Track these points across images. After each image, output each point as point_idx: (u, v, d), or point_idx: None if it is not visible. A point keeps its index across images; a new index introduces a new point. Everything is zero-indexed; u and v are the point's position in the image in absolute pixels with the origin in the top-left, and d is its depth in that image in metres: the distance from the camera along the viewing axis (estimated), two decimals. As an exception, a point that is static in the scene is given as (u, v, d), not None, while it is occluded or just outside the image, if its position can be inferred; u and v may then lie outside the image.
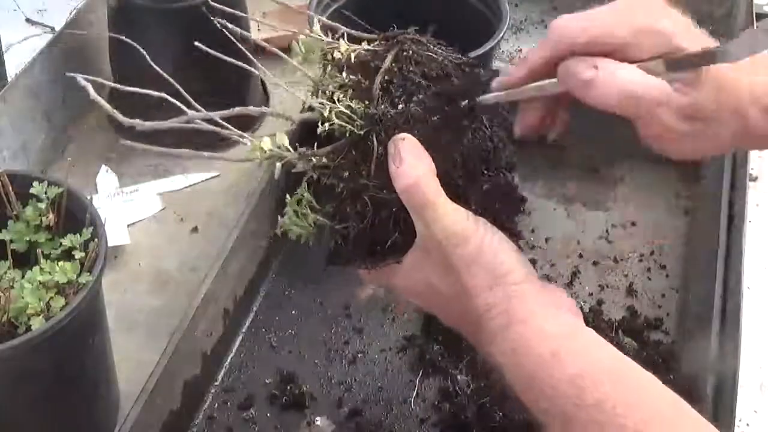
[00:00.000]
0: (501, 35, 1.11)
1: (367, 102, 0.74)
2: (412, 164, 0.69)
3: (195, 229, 1.17)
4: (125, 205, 1.19)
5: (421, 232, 0.70)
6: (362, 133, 0.73)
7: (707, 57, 0.68)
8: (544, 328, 0.66)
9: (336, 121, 0.73)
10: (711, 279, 1.07)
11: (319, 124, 0.75)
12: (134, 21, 1.19)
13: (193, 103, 0.76)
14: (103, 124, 1.30)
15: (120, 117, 0.74)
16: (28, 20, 1.27)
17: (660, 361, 1.04)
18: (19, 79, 1.18)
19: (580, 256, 1.22)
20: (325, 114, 0.74)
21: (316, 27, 0.83)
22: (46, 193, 0.85)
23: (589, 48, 0.70)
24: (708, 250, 1.12)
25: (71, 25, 1.26)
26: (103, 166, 1.24)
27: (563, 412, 0.62)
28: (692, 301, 1.13)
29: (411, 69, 0.75)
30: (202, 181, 1.23)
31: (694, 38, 0.70)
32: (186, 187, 1.22)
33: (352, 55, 0.78)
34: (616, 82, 0.68)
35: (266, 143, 0.75)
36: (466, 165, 0.74)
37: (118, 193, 1.21)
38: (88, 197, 0.87)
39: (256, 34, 1.37)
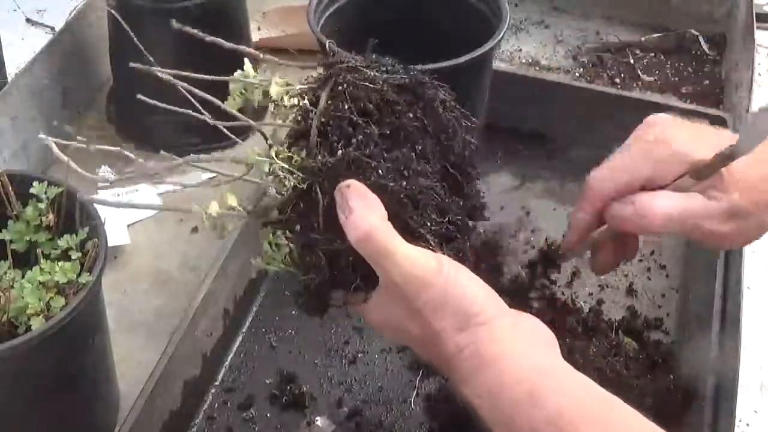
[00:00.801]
0: (501, 35, 1.11)
1: (305, 151, 0.70)
2: (362, 214, 0.66)
3: (195, 229, 1.17)
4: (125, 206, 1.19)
5: (383, 278, 0.68)
6: (304, 186, 0.69)
7: (725, 158, 0.76)
8: (518, 367, 0.65)
9: (277, 175, 0.70)
10: (711, 279, 1.06)
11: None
12: (134, 21, 1.19)
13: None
14: (104, 124, 1.30)
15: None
16: (28, 20, 1.27)
17: (660, 361, 1.04)
18: (19, 79, 1.18)
19: (580, 256, 1.21)
20: (265, 170, 0.71)
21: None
22: (46, 193, 0.85)
23: (621, 191, 0.80)
24: (708, 250, 1.12)
25: (71, 25, 1.26)
26: (103, 166, 1.24)
27: None
28: (692, 301, 1.13)
29: (348, 106, 0.70)
30: (202, 181, 1.23)
31: (707, 142, 0.78)
32: (186, 187, 1.22)
33: (285, 98, 0.74)
34: (657, 212, 0.77)
35: (213, 207, 0.74)
36: (416, 201, 0.70)
37: (118, 193, 1.21)
38: (88, 197, 0.87)
39: (256, 34, 1.38)
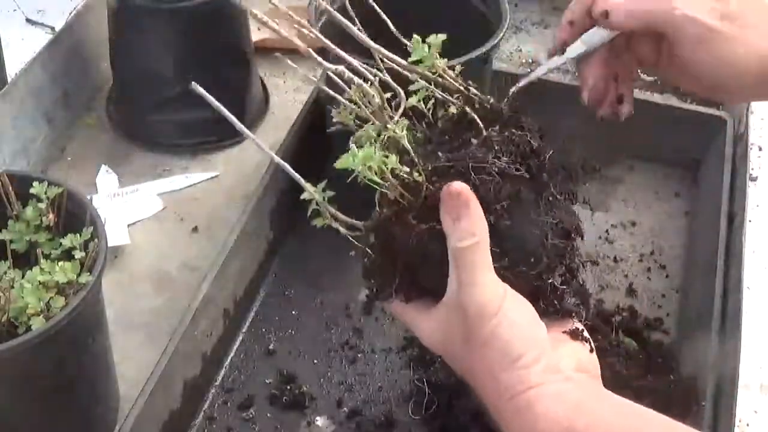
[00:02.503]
0: (501, 35, 1.11)
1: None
2: (475, 222, 0.67)
3: (195, 229, 1.17)
4: (125, 205, 1.19)
5: (453, 290, 0.68)
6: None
7: None
8: (552, 412, 0.65)
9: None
10: (711, 279, 1.07)
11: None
12: (134, 21, 1.19)
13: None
14: (104, 124, 1.30)
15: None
16: (28, 20, 1.27)
17: (660, 361, 1.04)
18: (19, 79, 1.18)
19: (580, 256, 1.21)
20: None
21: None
22: (46, 193, 0.85)
23: None
24: (708, 250, 1.12)
25: (71, 25, 1.26)
26: (103, 166, 1.24)
27: None
28: (692, 301, 1.13)
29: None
30: (202, 181, 1.23)
31: None
32: (186, 187, 1.22)
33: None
34: None
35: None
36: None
37: (118, 193, 1.21)
38: (88, 197, 0.87)
39: (256, 35, 1.37)
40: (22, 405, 0.82)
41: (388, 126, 0.73)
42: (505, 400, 0.67)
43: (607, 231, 1.25)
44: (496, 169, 0.69)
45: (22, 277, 0.81)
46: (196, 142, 1.25)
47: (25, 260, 0.85)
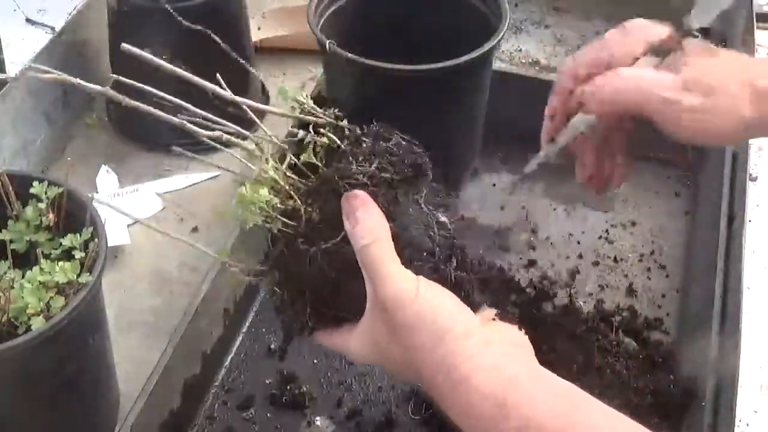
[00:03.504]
0: (501, 35, 1.11)
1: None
2: (371, 224, 0.70)
3: (195, 229, 1.17)
4: (125, 205, 1.19)
5: (371, 297, 0.71)
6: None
7: (680, 32, 0.78)
8: (486, 383, 0.66)
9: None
10: (711, 279, 1.06)
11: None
12: (134, 21, 1.19)
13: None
14: (104, 124, 1.30)
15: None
16: (28, 20, 1.27)
17: (660, 361, 1.04)
18: (19, 79, 1.18)
19: (580, 256, 1.21)
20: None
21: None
22: (46, 193, 0.85)
23: (588, 73, 0.81)
24: (708, 250, 1.12)
25: (71, 25, 1.26)
26: (103, 166, 1.24)
27: None
28: (692, 301, 1.13)
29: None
30: (202, 181, 1.23)
31: (666, 29, 0.81)
32: (186, 187, 1.22)
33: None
34: (608, 80, 0.78)
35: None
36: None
37: (118, 193, 1.21)
38: (88, 197, 0.87)
39: (256, 34, 1.37)
40: (22, 405, 0.82)
41: (262, 167, 0.77)
42: (443, 375, 0.68)
43: (607, 231, 1.25)
44: (365, 179, 0.73)
45: (22, 277, 0.81)
46: (196, 142, 1.25)
47: (25, 260, 0.85)
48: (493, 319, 0.73)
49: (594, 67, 0.81)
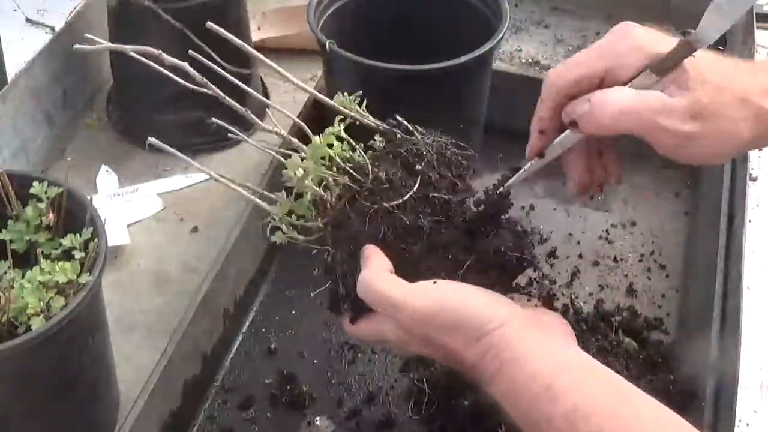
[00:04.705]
0: (501, 35, 1.11)
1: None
2: (365, 274, 0.73)
3: (195, 229, 1.17)
4: (125, 205, 1.19)
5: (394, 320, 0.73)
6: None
7: (686, 48, 0.72)
8: (533, 366, 0.67)
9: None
10: (711, 279, 1.06)
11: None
12: (134, 21, 1.19)
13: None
14: (103, 124, 1.30)
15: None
16: (28, 20, 1.27)
17: (660, 361, 1.04)
18: (19, 79, 1.18)
19: (580, 256, 1.21)
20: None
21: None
22: (46, 193, 0.85)
23: (580, 86, 0.75)
24: (708, 250, 1.12)
25: (71, 25, 1.26)
26: (103, 166, 1.24)
27: None
28: (692, 301, 1.13)
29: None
30: (202, 181, 1.23)
31: (670, 41, 0.74)
32: (186, 187, 1.22)
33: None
34: (609, 103, 0.72)
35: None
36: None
37: (118, 193, 1.21)
38: (88, 197, 0.87)
39: (256, 34, 1.38)
40: (22, 405, 0.82)
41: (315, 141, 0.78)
42: (489, 358, 0.69)
43: (607, 231, 1.25)
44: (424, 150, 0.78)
45: (22, 277, 0.81)
46: (197, 142, 1.25)
47: (25, 260, 0.85)
48: (536, 306, 0.75)
49: (588, 80, 0.76)
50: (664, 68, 0.73)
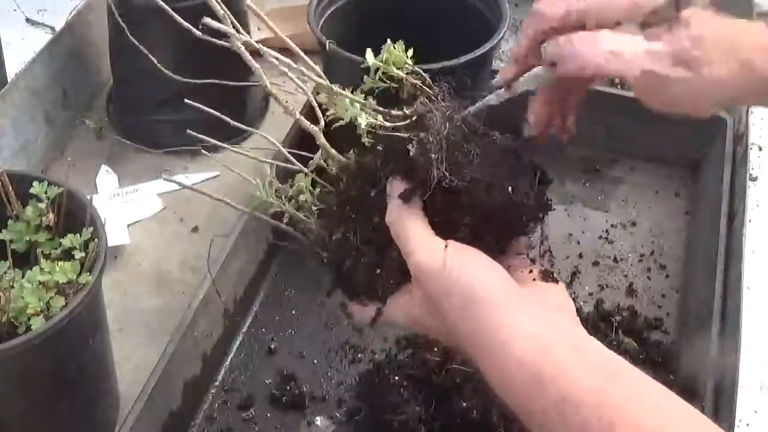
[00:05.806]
0: (501, 35, 1.11)
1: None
2: (397, 203, 0.73)
3: (195, 229, 1.17)
4: (125, 205, 1.19)
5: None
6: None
7: (675, 2, 0.72)
8: (521, 352, 0.66)
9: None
10: (711, 279, 1.07)
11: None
12: (134, 21, 1.19)
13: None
14: (103, 124, 1.30)
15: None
16: (28, 20, 1.27)
17: (660, 361, 1.04)
18: (19, 79, 1.18)
19: (580, 256, 1.21)
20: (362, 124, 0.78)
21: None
22: (46, 193, 0.85)
23: (566, 22, 0.74)
24: (708, 250, 1.12)
25: (71, 25, 1.26)
26: (103, 166, 1.24)
27: None
28: (692, 301, 1.13)
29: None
30: (202, 181, 1.23)
31: None
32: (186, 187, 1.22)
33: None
34: (599, 41, 0.72)
35: None
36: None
37: (118, 193, 1.21)
38: (88, 197, 0.87)
39: (256, 34, 1.37)
40: (22, 405, 0.82)
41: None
42: (479, 341, 0.68)
43: (607, 231, 1.25)
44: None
45: (22, 277, 0.81)
46: (196, 142, 1.25)
47: (25, 260, 0.85)
48: (534, 280, 0.74)
49: (575, 18, 0.74)
50: (655, 21, 0.73)
